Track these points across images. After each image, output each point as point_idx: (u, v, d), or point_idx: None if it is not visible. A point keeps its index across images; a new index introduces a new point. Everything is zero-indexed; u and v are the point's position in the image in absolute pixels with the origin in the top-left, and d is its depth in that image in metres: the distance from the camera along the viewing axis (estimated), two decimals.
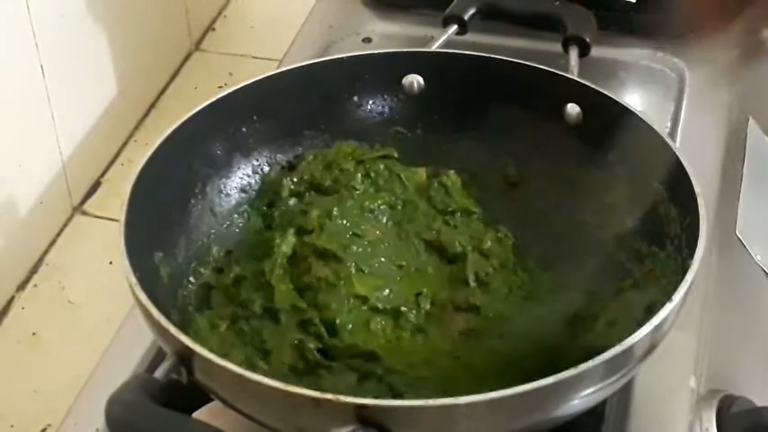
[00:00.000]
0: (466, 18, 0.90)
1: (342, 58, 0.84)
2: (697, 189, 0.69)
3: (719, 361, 0.78)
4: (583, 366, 0.59)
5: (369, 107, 0.85)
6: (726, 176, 0.90)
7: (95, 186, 1.06)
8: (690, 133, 0.93)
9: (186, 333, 0.63)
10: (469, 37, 0.91)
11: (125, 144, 1.10)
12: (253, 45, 1.23)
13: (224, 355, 0.63)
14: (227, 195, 0.80)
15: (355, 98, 0.84)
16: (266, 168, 0.82)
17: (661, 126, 0.91)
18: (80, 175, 1.04)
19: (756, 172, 0.93)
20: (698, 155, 0.84)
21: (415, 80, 0.84)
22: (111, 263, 0.94)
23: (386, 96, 0.85)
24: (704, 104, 0.97)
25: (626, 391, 0.73)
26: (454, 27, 0.90)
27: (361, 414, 0.58)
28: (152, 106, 1.15)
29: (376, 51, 0.85)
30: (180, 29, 1.20)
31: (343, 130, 0.84)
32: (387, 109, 0.85)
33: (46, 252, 0.99)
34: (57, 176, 1.00)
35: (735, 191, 0.90)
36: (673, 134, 0.93)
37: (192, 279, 0.75)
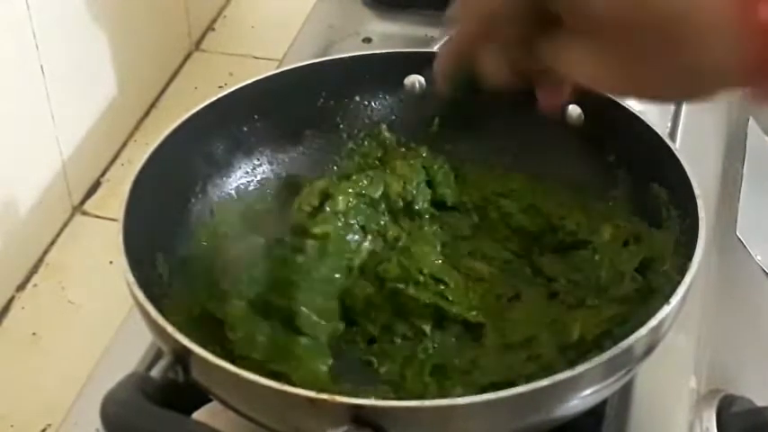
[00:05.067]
0: None
1: (343, 57, 0.84)
2: (697, 191, 0.69)
3: (720, 361, 0.77)
4: (581, 367, 0.59)
5: (370, 107, 0.85)
6: (726, 177, 0.90)
7: (95, 186, 1.05)
8: (690, 134, 0.93)
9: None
10: None
11: (125, 144, 1.10)
12: (253, 45, 1.22)
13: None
14: (228, 194, 0.80)
15: (357, 98, 0.84)
16: (267, 167, 0.82)
17: (661, 127, 0.90)
18: (80, 175, 1.03)
19: (756, 172, 0.93)
20: (698, 155, 0.84)
21: (417, 80, 0.84)
22: (111, 263, 0.93)
23: (387, 97, 0.84)
24: (704, 105, 0.97)
25: (626, 391, 0.73)
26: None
27: (357, 414, 0.58)
28: (152, 106, 1.15)
29: (378, 51, 0.85)
30: (180, 29, 1.20)
31: (344, 130, 0.84)
32: (388, 109, 0.85)
33: (46, 252, 0.99)
34: (57, 176, 1.00)
35: (735, 191, 0.90)
36: (673, 135, 0.93)
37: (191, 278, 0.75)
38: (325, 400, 0.58)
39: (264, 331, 0.71)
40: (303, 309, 0.72)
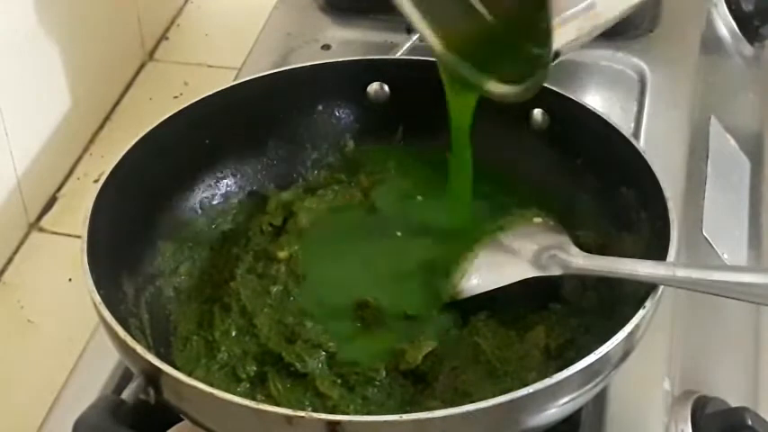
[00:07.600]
0: None
1: (305, 66, 0.83)
2: (667, 194, 0.69)
3: (692, 362, 0.78)
4: (558, 376, 0.59)
5: (334, 116, 0.84)
6: (691, 176, 0.90)
7: (51, 202, 1.04)
8: (653, 134, 0.93)
9: None
10: None
11: (80, 158, 1.08)
12: (208, 53, 1.21)
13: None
14: (192, 209, 0.79)
15: (319, 107, 0.83)
16: (230, 180, 0.81)
17: (625, 127, 0.90)
18: (36, 191, 1.02)
19: (720, 170, 0.93)
20: (662, 155, 0.84)
21: (380, 88, 0.83)
22: (70, 280, 0.93)
23: (350, 105, 0.83)
24: (666, 104, 0.97)
25: (601, 396, 0.72)
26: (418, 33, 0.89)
27: (335, 430, 0.57)
28: (107, 118, 1.13)
29: (340, 59, 0.84)
30: (133, 39, 1.19)
31: (308, 139, 0.83)
32: (351, 117, 0.84)
33: (3, 270, 0.97)
34: (12, 193, 0.98)
35: (700, 190, 0.90)
36: (636, 135, 0.93)
37: (157, 295, 0.74)
38: (302, 417, 0.57)
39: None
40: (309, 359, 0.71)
